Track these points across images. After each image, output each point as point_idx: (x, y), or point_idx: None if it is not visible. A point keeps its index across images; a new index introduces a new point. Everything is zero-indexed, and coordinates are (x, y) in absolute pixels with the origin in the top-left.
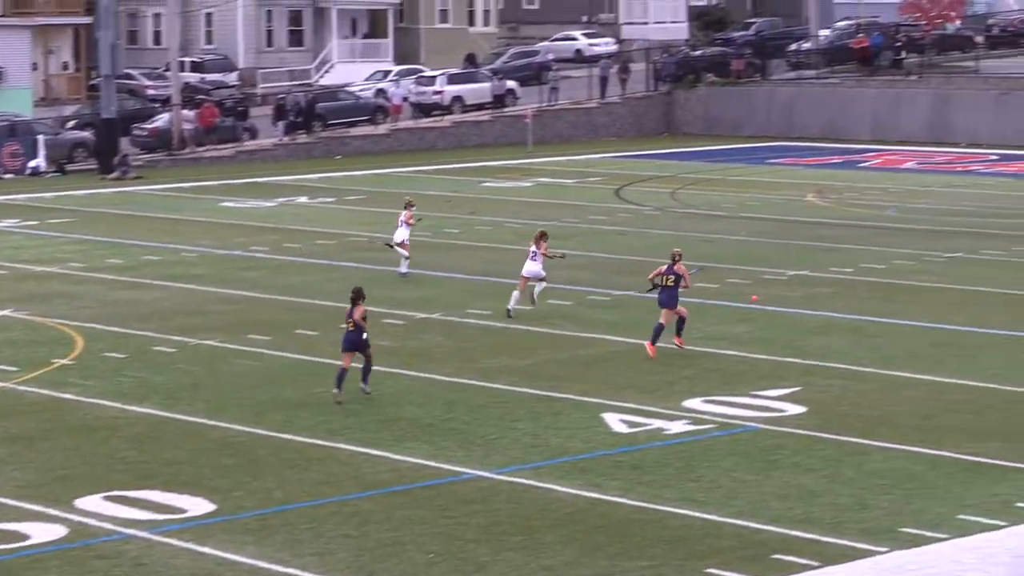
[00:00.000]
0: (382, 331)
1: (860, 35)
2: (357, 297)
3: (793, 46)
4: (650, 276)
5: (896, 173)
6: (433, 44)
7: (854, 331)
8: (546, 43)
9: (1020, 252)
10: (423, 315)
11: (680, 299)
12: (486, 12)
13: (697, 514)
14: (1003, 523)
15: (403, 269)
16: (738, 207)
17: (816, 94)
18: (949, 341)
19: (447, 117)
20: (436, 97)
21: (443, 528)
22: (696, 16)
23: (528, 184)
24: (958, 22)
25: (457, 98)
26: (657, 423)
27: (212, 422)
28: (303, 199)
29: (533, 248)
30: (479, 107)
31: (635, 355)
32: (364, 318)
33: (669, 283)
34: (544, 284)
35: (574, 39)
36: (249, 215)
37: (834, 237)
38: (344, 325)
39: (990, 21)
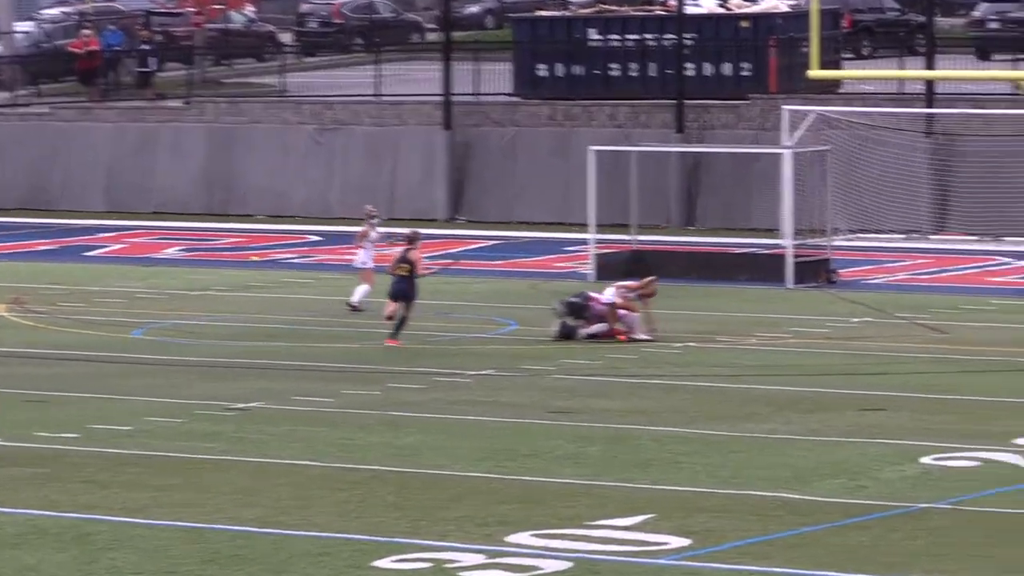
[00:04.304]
0: None
1: (86, 33)
2: None
3: None
4: (390, 269)
5: (149, 267)
6: None
7: (78, 540)
8: None
9: (351, 399)
10: None
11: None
12: None
13: None
14: None
15: (357, 297)
16: None
17: (12, 133)
18: (242, 551)
19: None
20: None
21: None
22: None
23: None
24: (250, 9)
25: None
26: None
27: None
28: None
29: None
30: None
31: None
32: None
33: (402, 272)
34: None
35: None
36: None
37: (48, 379)
38: None
39: (303, 9)
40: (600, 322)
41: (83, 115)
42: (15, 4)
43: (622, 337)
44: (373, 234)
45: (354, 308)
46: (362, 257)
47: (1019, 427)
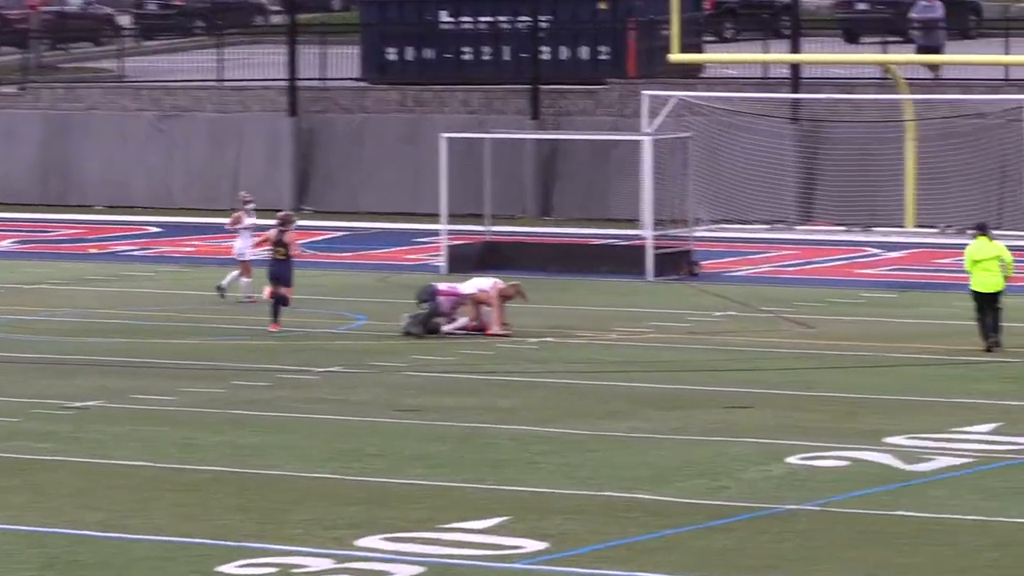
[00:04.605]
0: None
1: None
2: None
3: None
4: (265, 244)
5: None
6: None
7: None
8: None
9: (194, 397)
10: None
11: None
12: None
13: None
14: None
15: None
16: None
17: None
18: (83, 556)
19: None
20: None
21: None
22: None
23: None
24: None
25: None
26: None
27: None
28: None
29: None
30: None
31: None
32: None
33: (280, 255)
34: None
35: None
36: None
37: None
38: None
39: None
40: (452, 312)
41: None
42: None
43: (489, 332)
44: (247, 220)
45: (222, 291)
46: (239, 247)
47: (890, 425)
